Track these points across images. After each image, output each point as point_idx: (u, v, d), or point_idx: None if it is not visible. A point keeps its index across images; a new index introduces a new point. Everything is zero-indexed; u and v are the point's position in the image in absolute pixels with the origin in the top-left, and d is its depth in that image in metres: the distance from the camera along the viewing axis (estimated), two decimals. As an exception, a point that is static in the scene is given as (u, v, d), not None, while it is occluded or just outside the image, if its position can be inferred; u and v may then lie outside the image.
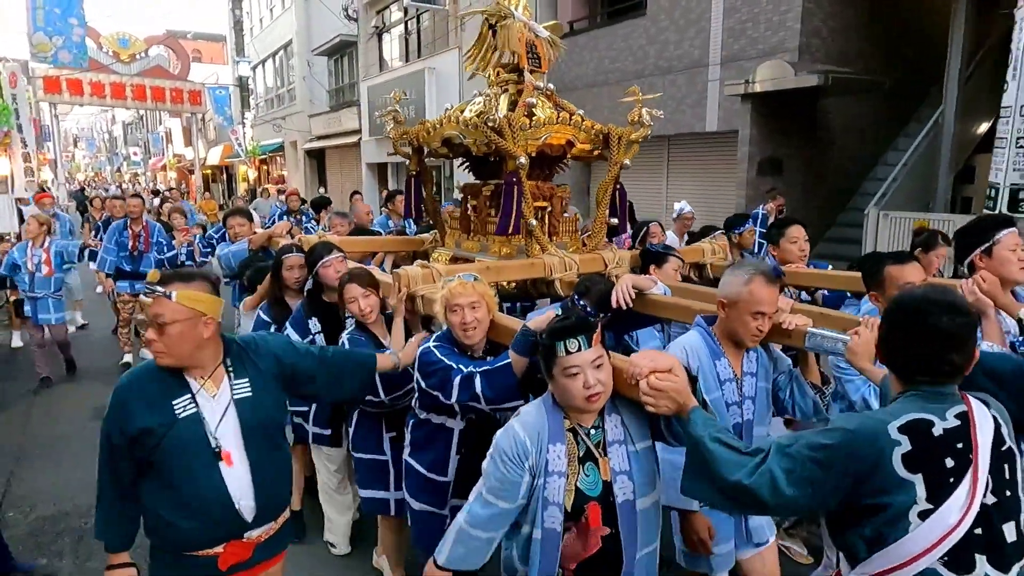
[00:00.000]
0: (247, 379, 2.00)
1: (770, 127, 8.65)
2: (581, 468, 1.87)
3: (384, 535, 3.18)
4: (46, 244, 6.39)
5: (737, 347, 2.36)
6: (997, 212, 4.54)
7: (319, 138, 21.18)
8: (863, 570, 1.50)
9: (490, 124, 3.25)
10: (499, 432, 1.94)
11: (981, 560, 1.42)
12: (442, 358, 2.38)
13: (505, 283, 3.44)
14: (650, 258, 3.46)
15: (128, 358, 6.82)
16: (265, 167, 28.92)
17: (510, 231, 3.36)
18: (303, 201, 9.62)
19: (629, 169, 3.71)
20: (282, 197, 10.69)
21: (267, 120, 25.07)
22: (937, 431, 1.44)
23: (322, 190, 17.32)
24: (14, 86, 13.87)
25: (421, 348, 2.52)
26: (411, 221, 5.73)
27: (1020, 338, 2.15)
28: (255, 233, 4.77)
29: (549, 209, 3.73)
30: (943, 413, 1.46)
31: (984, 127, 8.66)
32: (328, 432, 3.34)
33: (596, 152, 3.68)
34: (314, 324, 3.30)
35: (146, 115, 43.02)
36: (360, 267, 3.21)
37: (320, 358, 2.26)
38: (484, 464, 1.95)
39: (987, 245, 2.55)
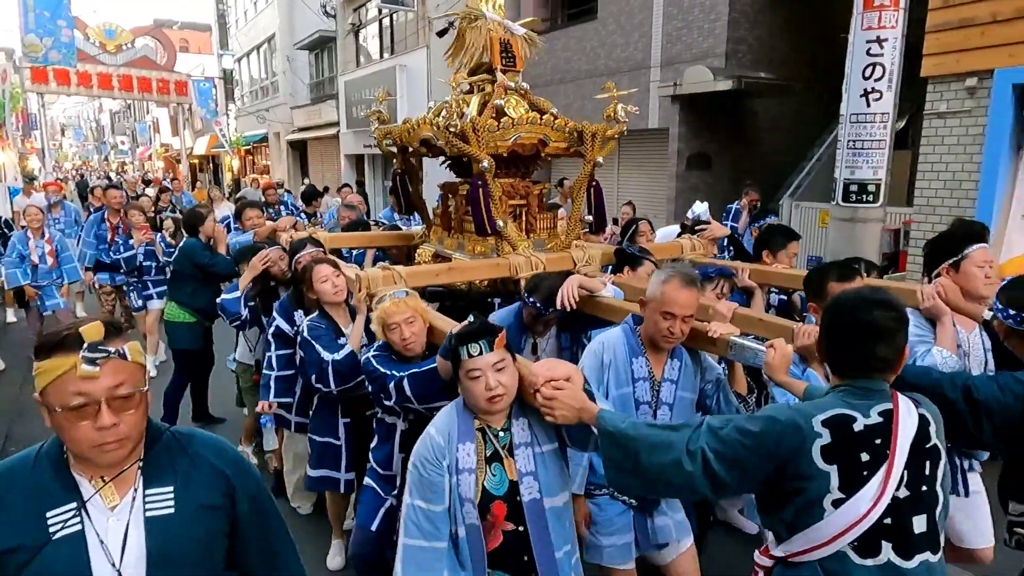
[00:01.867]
0: (171, 489, 1.36)
1: (698, 125, 9.53)
2: (488, 468, 1.94)
3: (331, 506, 3.45)
4: (47, 235, 6.43)
5: (659, 350, 2.39)
6: (866, 204, 5.31)
7: (301, 130, 21.89)
8: (786, 548, 1.59)
9: (452, 130, 3.28)
10: (417, 442, 2.01)
11: (887, 547, 1.50)
12: (378, 367, 2.50)
13: (477, 281, 3.50)
14: (626, 259, 3.45)
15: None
16: (251, 157, 29.55)
17: (488, 233, 3.42)
18: (285, 192, 9.69)
19: (601, 166, 3.68)
20: (280, 191, 10.31)
21: (251, 112, 25.70)
22: (858, 427, 1.51)
23: (307, 180, 17.97)
24: (4, 82, 14.58)
25: (363, 358, 2.62)
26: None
27: (1000, 308, 2.09)
28: (264, 225, 4.91)
29: (526, 207, 3.74)
30: (867, 410, 1.53)
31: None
32: (308, 421, 3.43)
33: (571, 149, 3.64)
34: (299, 316, 3.35)
35: (133, 104, 43.25)
36: (320, 253, 3.35)
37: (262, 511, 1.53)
38: (407, 479, 2.00)
39: (955, 259, 2.56)
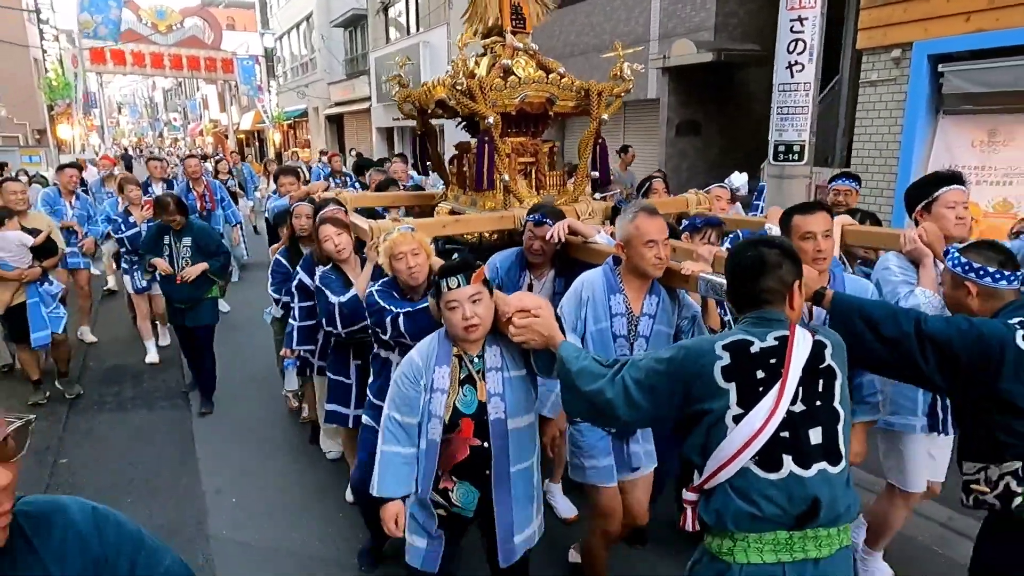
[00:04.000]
0: None
1: (687, 95, 10.23)
2: (460, 389, 2.13)
3: (346, 444, 3.77)
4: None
5: (640, 287, 2.50)
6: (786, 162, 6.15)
7: (337, 104, 23.07)
8: (704, 473, 1.71)
9: (459, 88, 3.40)
10: (402, 360, 2.23)
11: (787, 459, 1.61)
12: (379, 300, 2.65)
13: (487, 234, 3.62)
14: (618, 216, 3.93)
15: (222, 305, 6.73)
16: (292, 131, 31.00)
17: (484, 186, 3.56)
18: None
19: (604, 128, 3.79)
20: (324, 159, 10.74)
21: (292, 88, 27.02)
22: (754, 349, 1.66)
23: (354, 152, 19.01)
24: (75, 66, 16.17)
25: (368, 290, 2.78)
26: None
27: (954, 257, 2.10)
28: (299, 190, 5.12)
29: (535, 164, 3.86)
30: (764, 336, 1.68)
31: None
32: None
33: (578, 108, 3.73)
34: (320, 271, 3.42)
35: (184, 82, 45.13)
36: (333, 211, 3.44)
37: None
38: (389, 392, 2.20)
39: (927, 201, 2.61)
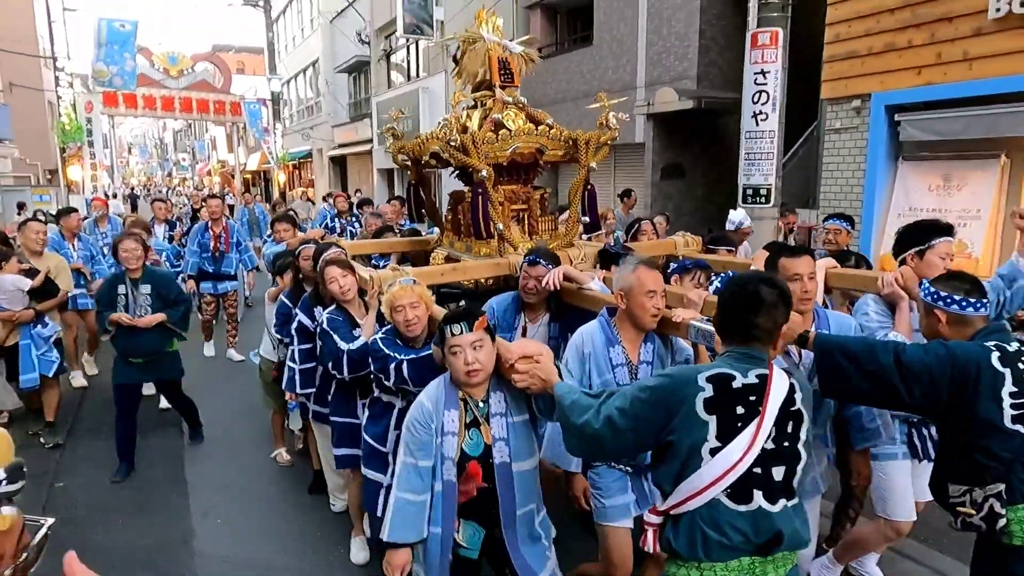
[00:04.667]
0: None
1: (671, 140, 10.68)
2: (467, 432, 2.21)
3: (353, 493, 3.49)
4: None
5: (635, 336, 2.58)
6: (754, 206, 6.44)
7: (341, 146, 23.71)
8: (671, 501, 1.76)
9: (452, 144, 3.56)
10: (410, 408, 2.29)
11: (758, 494, 1.68)
12: (383, 347, 2.73)
13: (483, 280, 3.75)
14: (609, 258, 3.64)
15: (209, 350, 7.30)
16: (297, 172, 31.72)
17: (482, 236, 3.68)
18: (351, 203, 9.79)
19: (595, 172, 3.93)
20: (330, 201, 10.56)
21: (297, 130, 27.79)
22: (736, 384, 1.70)
23: (359, 193, 19.48)
24: (89, 111, 16.86)
25: (372, 338, 2.86)
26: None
27: (926, 288, 2.20)
28: (295, 236, 5.37)
29: (527, 211, 4.00)
30: (746, 372, 1.72)
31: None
32: (326, 410, 3.60)
33: (567, 156, 3.88)
34: (319, 312, 3.49)
35: (194, 124, 46.32)
36: (337, 254, 3.47)
37: None
38: (402, 437, 2.28)
39: (922, 248, 2.68)
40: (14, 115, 17.75)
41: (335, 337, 3.11)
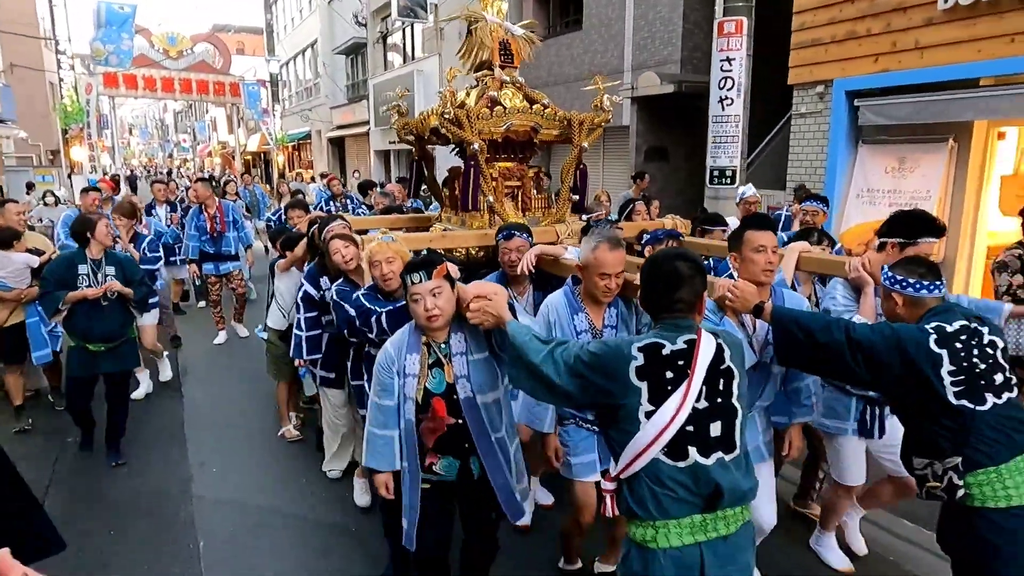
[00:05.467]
0: None
1: (655, 123, 10.99)
2: (430, 372, 2.35)
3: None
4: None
5: (597, 303, 2.69)
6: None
7: (339, 127, 23.99)
8: (620, 465, 1.87)
9: (447, 117, 3.68)
10: (378, 352, 2.46)
11: (692, 450, 1.80)
12: (364, 302, 2.94)
13: (474, 251, 3.87)
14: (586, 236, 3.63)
15: (222, 337, 7.21)
16: (296, 153, 31.98)
17: (470, 207, 3.83)
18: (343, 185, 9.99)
19: (586, 152, 4.02)
20: (324, 182, 10.97)
21: (296, 111, 28.04)
22: (665, 351, 1.83)
23: (357, 174, 19.83)
24: (89, 93, 17.18)
25: (355, 295, 3.03)
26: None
27: (886, 274, 2.31)
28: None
29: (521, 188, 4.13)
30: (675, 339, 1.84)
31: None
32: (333, 376, 3.83)
33: (561, 136, 3.99)
34: (324, 282, 3.71)
35: (194, 105, 46.36)
36: (340, 227, 3.63)
37: None
38: (372, 381, 2.45)
39: (908, 242, 2.71)
40: (16, 96, 18.07)
41: (346, 306, 3.18)
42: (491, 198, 3.85)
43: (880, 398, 2.88)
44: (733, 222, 5.43)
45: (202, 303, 8.75)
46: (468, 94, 4.04)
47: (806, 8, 6.83)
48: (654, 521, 1.82)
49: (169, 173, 38.49)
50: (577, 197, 4.19)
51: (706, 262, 3.88)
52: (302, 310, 3.84)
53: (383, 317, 2.83)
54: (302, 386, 4.95)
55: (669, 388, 1.80)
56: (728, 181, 6.61)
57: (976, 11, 5.46)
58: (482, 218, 3.96)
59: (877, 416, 2.96)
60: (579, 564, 3.18)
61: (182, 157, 54.55)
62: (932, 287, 2.21)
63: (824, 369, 2.34)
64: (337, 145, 25.90)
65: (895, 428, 2.83)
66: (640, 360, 1.82)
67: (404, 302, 2.60)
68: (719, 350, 1.86)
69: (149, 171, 44.26)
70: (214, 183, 16.56)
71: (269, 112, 25.59)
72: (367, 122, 20.60)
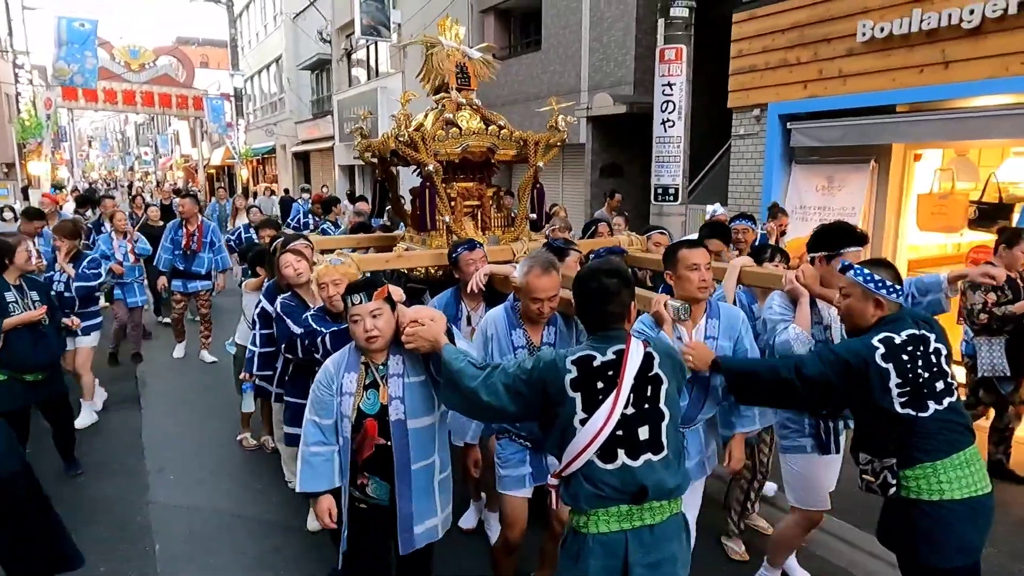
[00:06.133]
0: None
1: (609, 141, 11.42)
2: (365, 393, 2.36)
3: None
4: (130, 236, 6.82)
5: (535, 321, 2.74)
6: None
7: (303, 142, 24.07)
8: (560, 465, 2.03)
9: (401, 140, 3.77)
10: (318, 372, 2.48)
11: (621, 452, 1.94)
12: (312, 323, 3.03)
13: (433, 270, 3.93)
14: (552, 251, 3.71)
15: (180, 350, 7.27)
16: (261, 167, 31.86)
17: (428, 227, 3.90)
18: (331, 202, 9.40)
19: (543, 171, 4.18)
20: (305, 196, 11.23)
21: (261, 126, 28.01)
22: (596, 363, 1.96)
23: (325, 188, 19.90)
24: (49, 108, 17.04)
25: (303, 316, 3.13)
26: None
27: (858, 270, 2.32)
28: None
29: (480, 207, 4.21)
30: (605, 350, 1.97)
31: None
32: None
33: (519, 156, 4.10)
34: (280, 298, 3.60)
35: (156, 117, 45.83)
36: (297, 244, 3.71)
37: None
38: (309, 399, 2.44)
39: (831, 254, 2.78)
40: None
41: (288, 321, 3.25)
42: (448, 218, 3.94)
43: (837, 415, 2.88)
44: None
45: (163, 318, 8.79)
46: (427, 116, 4.13)
47: (742, 37, 7.30)
48: (587, 512, 1.98)
49: (131, 187, 37.87)
50: (535, 216, 4.31)
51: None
52: (258, 326, 3.92)
53: (327, 338, 2.90)
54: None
55: (600, 397, 1.93)
56: (671, 199, 7.00)
57: (890, 44, 5.95)
58: (440, 237, 4.05)
59: (832, 430, 2.92)
60: None
61: (143, 170, 53.69)
62: (899, 292, 2.31)
63: (782, 404, 2.51)
64: (302, 160, 25.94)
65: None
66: (574, 372, 1.96)
67: (344, 324, 2.66)
68: (648, 358, 1.99)
69: (110, 184, 43.43)
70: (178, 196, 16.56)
71: (233, 126, 25.53)
72: (332, 137, 20.75)
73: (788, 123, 6.99)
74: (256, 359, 3.97)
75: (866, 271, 2.31)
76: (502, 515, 2.88)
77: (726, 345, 2.72)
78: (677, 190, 6.97)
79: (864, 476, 2.29)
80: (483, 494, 3.78)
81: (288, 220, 10.43)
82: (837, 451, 2.92)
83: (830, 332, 2.86)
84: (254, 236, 7.85)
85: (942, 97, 5.75)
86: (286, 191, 23.13)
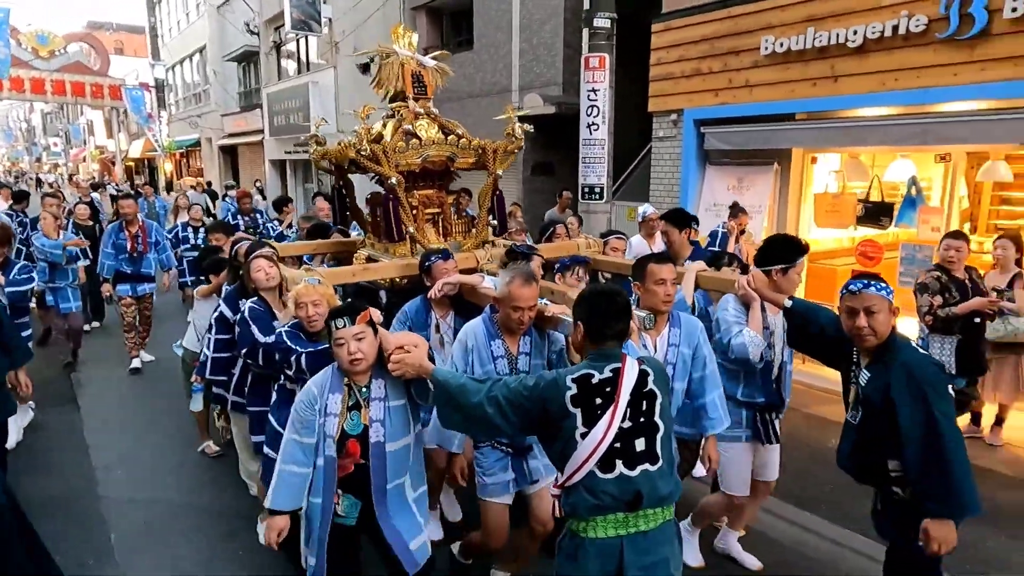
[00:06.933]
0: None
1: (542, 139, 11.86)
2: (348, 414, 2.44)
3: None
4: (63, 237, 6.61)
5: (513, 331, 2.83)
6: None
7: (231, 135, 23.48)
8: (563, 477, 2.13)
9: (363, 154, 3.76)
10: (299, 391, 2.53)
11: (619, 463, 2.06)
12: (286, 340, 3.03)
13: (398, 279, 3.94)
14: (515, 257, 3.77)
15: (137, 363, 6.89)
16: (185, 160, 30.81)
17: (395, 238, 3.93)
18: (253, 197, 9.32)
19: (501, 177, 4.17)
20: (232, 193, 10.70)
21: (184, 118, 27.09)
22: (595, 380, 2.08)
23: (259, 182, 19.41)
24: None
25: (276, 331, 3.14)
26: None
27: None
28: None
29: (442, 214, 4.25)
30: (602, 368, 2.10)
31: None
32: (244, 401, 3.71)
33: (477, 164, 4.14)
34: (243, 304, 3.60)
35: (67, 106, 43.48)
36: (266, 251, 3.65)
37: None
38: (289, 417, 2.50)
39: (787, 267, 3.03)
40: None
41: (254, 328, 3.28)
42: (412, 228, 4.00)
43: (769, 404, 3.22)
44: (638, 240, 5.99)
45: (96, 323, 8.57)
46: (384, 125, 4.11)
47: (660, 46, 7.84)
48: (585, 519, 2.11)
49: (39, 181, 35.78)
50: (496, 222, 4.41)
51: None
52: (214, 330, 3.88)
53: (303, 358, 2.93)
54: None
55: (599, 412, 2.06)
56: (597, 197, 7.48)
57: (788, 58, 6.59)
58: (404, 247, 4.08)
59: (770, 422, 3.23)
60: (470, 562, 3.30)
61: (52, 162, 50.69)
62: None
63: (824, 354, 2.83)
64: (229, 153, 25.29)
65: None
66: (574, 389, 2.08)
67: (326, 344, 2.71)
68: (643, 375, 2.13)
69: (19, 178, 40.80)
70: (96, 191, 15.87)
71: (155, 117, 24.64)
72: (261, 131, 20.39)
73: (702, 127, 7.57)
74: (209, 364, 3.92)
75: (888, 286, 2.45)
76: (484, 523, 2.98)
77: (687, 352, 3.02)
78: (603, 189, 7.46)
79: (895, 484, 2.41)
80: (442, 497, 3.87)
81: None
82: (776, 441, 3.25)
83: (773, 336, 3.13)
84: (191, 235, 7.98)
85: (833, 108, 6.43)
86: (208, 184, 22.63)
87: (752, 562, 3.53)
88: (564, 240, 5.04)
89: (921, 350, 2.51)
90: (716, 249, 5.88)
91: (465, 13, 14.25)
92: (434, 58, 4.33)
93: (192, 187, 17.65)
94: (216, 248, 4.95)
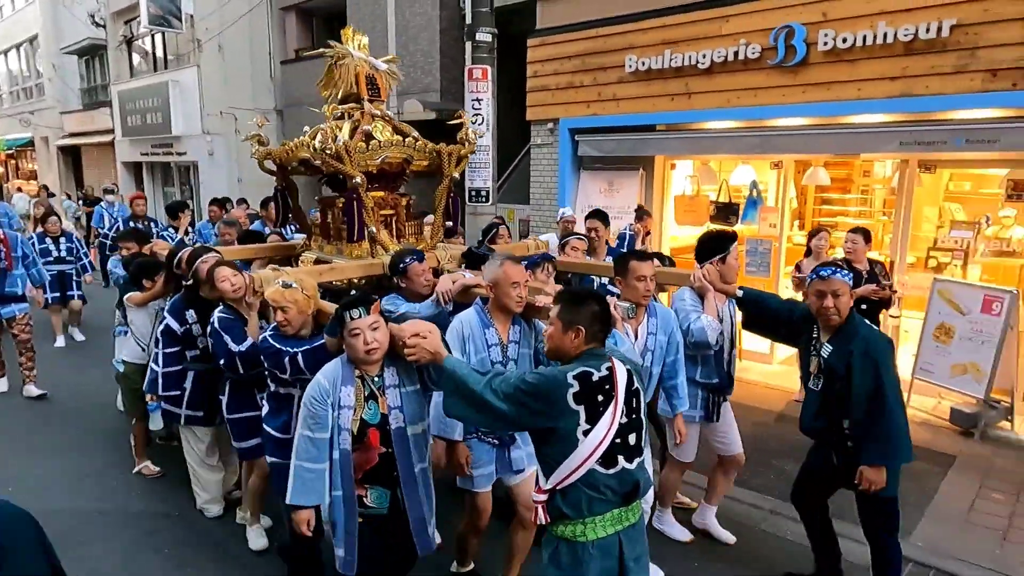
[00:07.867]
0: None
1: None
2: (366, 404, 2.47)
3: (253, 483, 3.67)
4: None
5: (505, 319, 2.97)
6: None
7: (72, 135, 21.50)
8: (555, 479, 2.15)
9: (328, 153, 3.78)
10: (308, 386, 2.51)
11: (620, 458, 2.15)
12: (274, 343, 2.94)
13: (357, 279, 3.91)
14: (476, 259, 3.92)
15: (3, 384, 6.45)
16: (13, 162, 27.67)
17: (356, 238, 3.94)
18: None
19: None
20: (111, 197, 9.84)
21: (12, 114, 24.37)
22: (595, 378, 2.14)
23: (115, 186, 17.62)
24: None
25: (260, 336, 3.07)
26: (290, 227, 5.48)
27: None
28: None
29: (395, 216, 4.29)
30: (599, 367, 2.17)
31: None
32: (200, 414, 3.78)
33: (432, 167, 4.23)
34: (191, 315, 3.68)
35: None
36: (215, 258, 3.65)
37: None
38: (299, 414, 2.51)
39: (723, 255, 3.40)
40: None
41: (227, 338, 3.25)
42: (373, 228, 4.00)
43: (720, 385, 3.60)
44: (552, 238, 6.09)
45: None
46: (339, 127, 4.05)
47: (536, 60, 8.45)
48: (583, 519, 2.15)
49: None
50: (451, 224, 4.51)
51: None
52: (162, 345, 3.75)
53: (299, 356, 2.88)
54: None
55: (601, 409, 2.14)
56: (483, 199, 7.93)
57: (650, 76, 7.41)
58: (361, 246, 4.07)
59: (717, 403, 3.63)
60: (471, 566, 3.44)
61: None
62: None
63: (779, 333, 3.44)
64: (71, 154, 23.12)
65: (726, 412, 3.69)
66: (576, 387, 2.13)
67: (318, 341, 2.82)
68: (629, 375, 2.24)
69: None
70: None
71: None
72: (111, 131, 18.89)
73: (576, 136, 8.27)
74: (161, 380, 3.77)
75: (849, 273, 2.92)
76: (472, 508, 3.17)
77: (663, 339, 3.37)
78: (488, 192, 7.92)
79: (848, 442, 2.89)
80: None
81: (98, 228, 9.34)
82: (717, 419, 3.66)
83: (723, 323, 3.50)
84: (50, 246, 7.51)
85: (688, 120, 7.33)
86: (44, 187, 20.61)
87: (728, 537, 3.88)
88: (507, 241, 5.24)
89: (875, 327, 3.01)
90: (624, 250, 6.05)
91: (338, 15, 14.19)
92: (385, 62, 4.40)
93: (19, 190, 15.98)
94: (139, 254, 4.68)
